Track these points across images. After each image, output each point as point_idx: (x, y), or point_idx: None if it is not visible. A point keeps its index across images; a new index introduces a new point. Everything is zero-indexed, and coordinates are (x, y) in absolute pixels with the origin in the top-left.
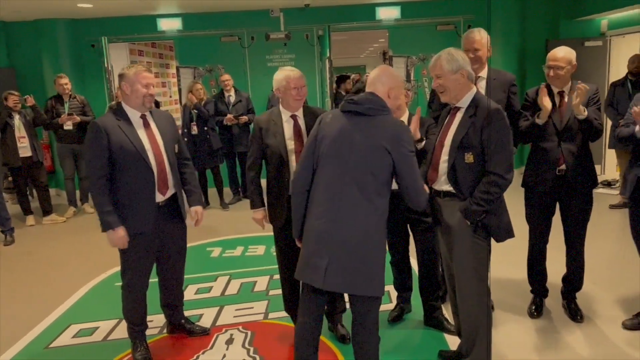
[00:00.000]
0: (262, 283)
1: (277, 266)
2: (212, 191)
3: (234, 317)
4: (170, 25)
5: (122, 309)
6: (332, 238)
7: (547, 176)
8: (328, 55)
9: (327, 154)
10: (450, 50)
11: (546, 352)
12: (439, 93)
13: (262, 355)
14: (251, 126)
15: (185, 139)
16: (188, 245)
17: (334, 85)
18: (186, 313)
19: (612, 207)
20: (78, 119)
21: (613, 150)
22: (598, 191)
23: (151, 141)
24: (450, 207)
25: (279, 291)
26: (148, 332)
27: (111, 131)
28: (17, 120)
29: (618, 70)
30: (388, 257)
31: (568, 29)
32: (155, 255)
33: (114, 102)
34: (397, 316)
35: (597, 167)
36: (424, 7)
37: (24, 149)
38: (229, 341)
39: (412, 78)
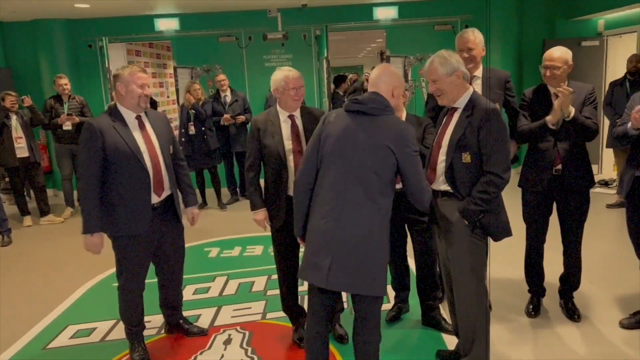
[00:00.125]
0: (260, 283)
1: (274, 266)
2: (209, 191)
3: (232, 317)
4: (167, 25)
5: (119, 310)
6: (335, 238)
7: (543, 176)
8: (325, 55)
9: (331, 154)
10: (442, 53)
11: (544, 352)
12: (437, 97)
13: (260, 355)
14: (248, 126)
15: (183, 139)
16: (186, 245)
17: (332, 86)
18: (184, 313)
19: (609, 206)
20: (77, 119)
21: (610, 150)
22: (595, 191)
23: (147, 142)
24: (448, 207)
25: (277, 291)
26: (146, 332)
27: (106, 132)
28: (14, 121)
29: (615, 70)
30: None
31: (565, 29)
32: (152, 256)
33: (112, 103)
34: (395, 316)
35: (594, 167)
36: (421, 7)
37: (21, 149)
38: (227, 341)
39: (409, 78)
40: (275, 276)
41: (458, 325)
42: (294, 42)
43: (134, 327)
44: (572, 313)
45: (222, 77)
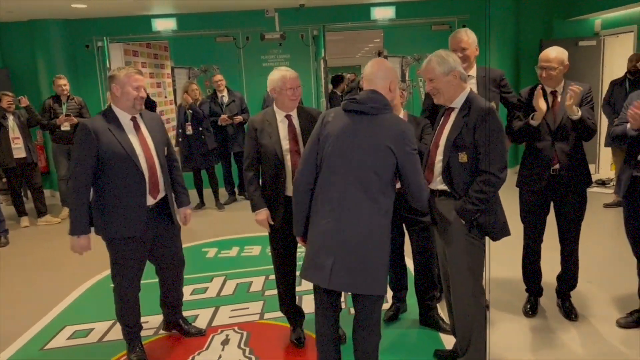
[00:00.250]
0: (257, 283)
1: (272, 267)
2: (207, 192)
3: (230, 317)
4: (165, 25)
5: (115, 311)
6: (337, 238)
7: (541, 176)
8: (323, 55)
9: (331, 154)
10: (440, 53)
11: (541, 351)
12: (433, 96)
13: (257, 355)
14: (246, 126)
15: (180, 139)
16: (184, 246)
17: (330, 86)
18: (182, 313)
19: (607, 205)
20: (75, 120)
21: (608, 149)
22: (592, 190)
23: (142, 144)
24: (446, 207)
25: (275, 291)
26: (143, 333)
27: (101, 134)
28: (11, 121)
29: (612, 69)
30: None
31: (562, 28)
32: (149, 257)
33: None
34: (393, 316)
35: (592, 166)
36: (418, 7)
37: (18, 150)
38: (225, 342)
39: (407, 78)
40: (273, 276)
41: (455, 325)
42: (292, 42)
43: (131, 328)
44: (569, 312)
45: (219, 77)
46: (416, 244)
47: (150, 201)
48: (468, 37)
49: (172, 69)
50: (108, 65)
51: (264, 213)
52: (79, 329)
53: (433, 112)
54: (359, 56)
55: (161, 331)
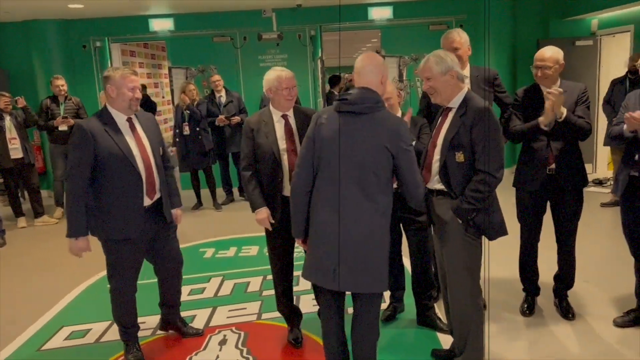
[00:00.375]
0: (255, 283)
1: (270, 267)
2: (204, 192)
3: (227, 317)
4: (162, 25)
5: (112, 312)
6: (339, 239)
7: (537, 176)
8: (320, 55)
9: (328, 156)
10: (439, 52)
11: (538, 350)
12: (430, 95)
13: (255, 355)
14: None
15: (177, 140)
16: (181, 246)
17: (327, 85)
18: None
19: (604, 205)
20: (72, 122)
21: (605, 149)
22: (589, 189)
23: (139, 145)
24: (443, 206)
25: (272, 292)
26: (140, 333)
27: (98, 136)
28: (7, 122)
29: (608, 69)
30: None
31: (559, 28)
32: (146, 258)
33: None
34: (390, 315)
35: (589, 166)
36: (416, 7)
37: (15, 150)
38: (222, 342)
39: (404, 78)
40: (270, 276)
41: (453, 324)
42: (289, 42)
43: (128, 329)
44: (566, 312)
45: (216, 77)
46: (413, 243)
47: (147, 202)
48: (460, 37)
49: (170, 69)
50: (110, 65)
51: (264, 212)
52: (76, 330)
53: (429, 112)
54: (356, 56)
55: (158, 331)
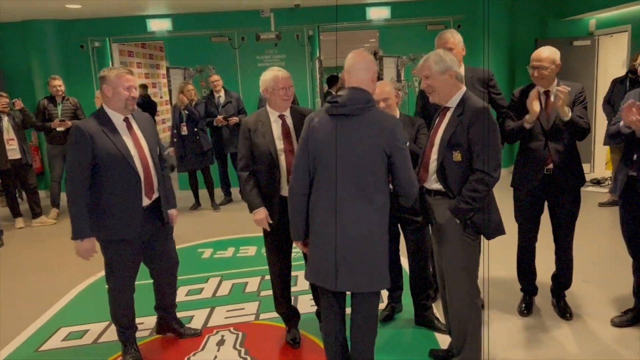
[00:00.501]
0: (253, 284)
1: (268, 267)
2: (202, 192)
3: (225, 318)
4: (160, 25)
5: (110, 312)
6: (339, 241)
7: (535, 175)
8: (318, 55)
9: (324, 159)
10: (439, 52)
11: (536, 350)
12: (428, 94)
13: (253, 356)
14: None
15: (175, 140)
16: (179, 246)
17: (325, 85)
18: (178, 314)
19: (601, 205)
20: (70, 124)
21: (602, 149)
22: (587, 189)
23: (136, 145)
24: (440, 206)
25: (271, 292)
26: (138, 334)
27: (96, 136)
28: (5, 122)
29: (606, 69)
30: None
31: (557, 28)
32: (142, 258)
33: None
34: (388, 315)
35: (587, 166)
36: (414, 7)
37: (13, 151)
38: (220, 342)
39: (402, 78)
40: (268, 277)
41: (450, 324)
42: (287, 42)
43: (126, 329)
44: (564, 311)
45: (215, 77)
46: (411, 243)
47: (146, 202)
48: (454, 37)
49: (168, 69)
50: (111, 65)
51: (262, 212)
52: (74, 330)
53: (425, 112)
54: None
55: (155, 334)
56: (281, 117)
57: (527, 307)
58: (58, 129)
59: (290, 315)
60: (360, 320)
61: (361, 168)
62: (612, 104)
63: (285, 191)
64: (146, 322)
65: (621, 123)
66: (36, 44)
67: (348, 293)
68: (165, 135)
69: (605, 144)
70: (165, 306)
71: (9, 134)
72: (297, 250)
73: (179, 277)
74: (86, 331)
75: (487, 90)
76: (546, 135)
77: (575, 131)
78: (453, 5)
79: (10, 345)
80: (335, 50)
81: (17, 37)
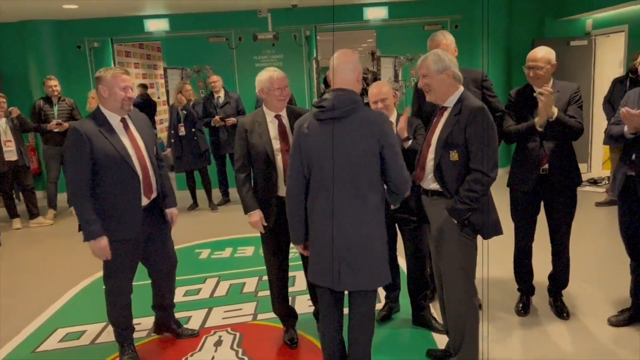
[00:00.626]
0: (251, 284)
1: (265, 267)
2: (200, 192)
3: (223, 318)
4: (157, 26)
5: (107, 313)
6: (338, 243)
7: (530, 176)
8: (315, 55)
9: (318, 164)
10: (437, 51)
11: (533, 350)
12: (425, 92)
13: (250, 356)
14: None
15: (173, 140)
16: (176, 247)
17: (322, 86)
18: (175, 315)
19: (598, 204)
20: (67, 125)
21: (599, 148)
22: (584, 189)
23: (134, 145)
24: (438, 206)
25: (268, 292)
26: (136, 334)
27: (94, 137)
28: (3, 124)
29: (603, 69)
30: None
31: (554, 28)
32: (139, 259)
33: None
34: (386, 315)
35: (583, 165)
36: (411, 7)
37: (10, 152)
38: (218, 343)
39: (400, 78)
40: (266, 277)
41: (448, 324)
42: (285, 43)
43: (123, 330)
44: (560, 311)
45: (215, 78)
46: (408, 243)
47: (145, 201)
48: (446, 38)
49: (165, 69)
50: (113, 65)
51: (257, 214)
52: (71, 331)
53: (420, 112)
54: None
55: (152, 334)
56: (277, 117)
57: (524, 307)
58: (54, 130)
59: (287, 315)
60: (359, 318)
61: (355, 169)
62: (612, 103)
63: (282, 191)
64: (143, 323)
65: (625, 128)
66: (33, 44)
67: (346, 293)
68: (163, 136)
69: (605, 143)
70: (164, 306)
71: (7, 135)
72: (294, 251)
73: (176, 278)
74: (83, 332)
75: (482, 92)
76: (541, 135)
77: (566, 131)
78: (450, 5)
79: (7, 347)
80: (332, 51)
81: (14, 37)
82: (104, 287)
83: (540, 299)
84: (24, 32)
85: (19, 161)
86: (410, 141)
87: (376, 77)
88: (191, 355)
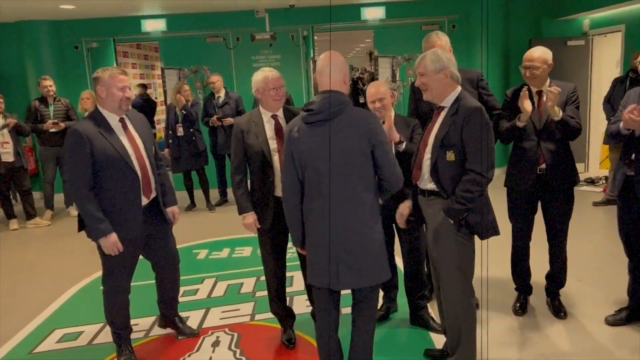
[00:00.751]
0: (248, 285)
1: (263, 268)
2: (198, 193)
3: (221, 319)
4: (154, 26)
5: (105, 313)
6: (336, 244)
7: (528, 175)
8: (312, 55)
9: (311, 167)
10: (436, 51)
11: (530, 349)
12: (423, 91)
13: (248, 357)
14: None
15: (170, 141)
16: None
17: None
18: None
19: (596, 204)
20: (63, 125)
21: (597, 148)
22: (582, 189)
23: (133, 145)
24: (434, 206)
25: (266, 293)
26: (133, 335)
27: (93, 138)
28: (1, 125)
29: (600, 69)
30: None
31: (551, 28)
32: (138, 259)
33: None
34: (383, 315)
35: (581, 165)
36: (408, 7)
37: (7, 154)
38: (215, 343)
39: (397, 78)
40: (264, 277)
41: (445, 324)
42: (282, 43)
43: (121, 331)
44: (558, 311)
45: (214, 78)
46: (406, 243)
47: (145, 201)
48: (440, 39)
49: (162, 69)
50: (115, 65)
51: (250, 216)
52: (68, 332)
53: (417, 113)
54: (350, 56)
55: (151, 333)
56: (274, 117)
57: (521, 307)
58: (51, 131)
59: (285, 315)
60: (363, 313)
61: (348, 169)
62: (612, 103)
63: (279, 191)
64: (141, 324)
65: (621, 124)
66: (30, 44)
67: (343, 293)
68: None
69: (605, 143)
70: (168, 301)
71: (4, 137)
72: (292, 251)
73: None
74: (80, 333)
75: (478, 91)
76: (538, 135)
77: (567, 131)
78: (447, 5)
79: (5, 348)
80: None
81: (11, 37)
82: (102, 287)
83: (538, 298)
84: (21, 32)
85: (16, 162)
86: (403, 144)
87: (373, 77)
88: (189, 356)
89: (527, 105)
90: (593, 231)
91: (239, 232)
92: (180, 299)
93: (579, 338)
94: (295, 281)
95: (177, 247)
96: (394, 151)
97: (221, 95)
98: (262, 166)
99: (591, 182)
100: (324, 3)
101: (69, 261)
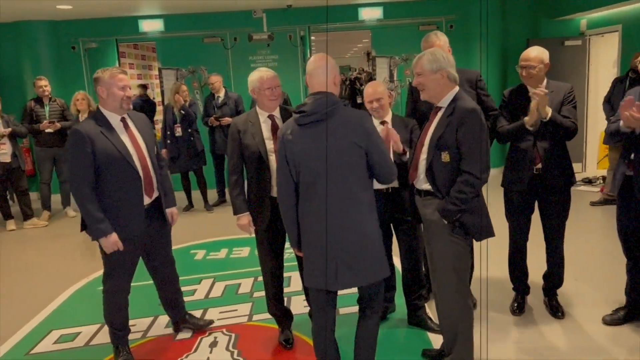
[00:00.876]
0: (246, 285)
1: (260, 268)
2: (195, 193)
3: (218, 319)
4: (152, 26)
5: (104, 313)
6: (332, 242)
7: (524, 175)
8: (309, 56)
9: (305, 168)
10: (434, 51)
11: (528, 349)
12: (420, 91)
13: (245, 357)
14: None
15: (169, 141)
16: (172, 247)
17: None
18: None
19: (593, 204)
20: (59, 125)
21: (594, 148)
22: (579, 188)
23: (134, 145)
24: (430, 206)
25: (263, 293)
26: (131, 336)
27: (95, 138)
28: None
29: (597, 69)
30: None
31: (548, 28)
32: (139, 258)
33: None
34: (381, 316)
35: (578, 165)
36: (406, 7)
37: (4, 155)
38: (213, 344)
39: (395, 78)
40: (261, 278)
41: (442, 324)
42: (280, 43)
43: (119, 331)
44: (555, 310)
45: (214, 78)
46: (403, 243)
47: (147, 200)
48: (439, 39)
49: (160, 70)
50: (117, 65)
51: (245, 218)
52: (65, 333)
53: (415, 113)
54: (348, 57)
55: (154, 328)
56: (271, 117)
57: (519, 306)
58: (47, 131)
59: (283, 316)
60: (368, 306)
61: (343, 169)
62: (611, 103)
63: (275, 192)
64: (139, 324)
65: (621, 123)
66: (27, 44)
67: (342, 293)
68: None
69: (605, 142)
70: (173, 303)
71: (2, 137)
72: (290, 251)
73: None
74: (78, 334)
75: (476, 92)
76: (535, 135)
77: (560, 131)
78: (445, 5)
79: (2, 348)
80: (326, 51)
81: (8, 37)
82: (101, 287)
83: (535, 298)
84: (19, 32)
85: (13, 163)
86: (407, 155)
87: (371, 78)
88: (186, 357)
89: (546, 109)
90: (590, 231)
91: (236, 232)
92: None
93: (576, 337)
94: (293, 281)
95: (175, 247)
96: (393, 159)
97: (221, 95)
98: (258, 166)
99: (588, 182)
100: (321, 3)
101: (66, 262)
